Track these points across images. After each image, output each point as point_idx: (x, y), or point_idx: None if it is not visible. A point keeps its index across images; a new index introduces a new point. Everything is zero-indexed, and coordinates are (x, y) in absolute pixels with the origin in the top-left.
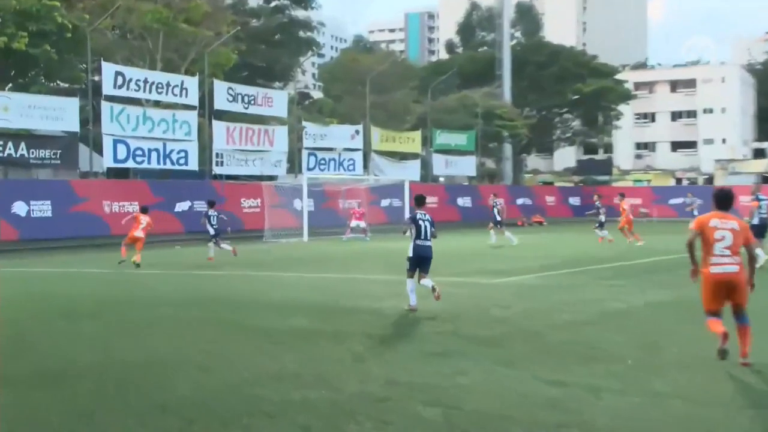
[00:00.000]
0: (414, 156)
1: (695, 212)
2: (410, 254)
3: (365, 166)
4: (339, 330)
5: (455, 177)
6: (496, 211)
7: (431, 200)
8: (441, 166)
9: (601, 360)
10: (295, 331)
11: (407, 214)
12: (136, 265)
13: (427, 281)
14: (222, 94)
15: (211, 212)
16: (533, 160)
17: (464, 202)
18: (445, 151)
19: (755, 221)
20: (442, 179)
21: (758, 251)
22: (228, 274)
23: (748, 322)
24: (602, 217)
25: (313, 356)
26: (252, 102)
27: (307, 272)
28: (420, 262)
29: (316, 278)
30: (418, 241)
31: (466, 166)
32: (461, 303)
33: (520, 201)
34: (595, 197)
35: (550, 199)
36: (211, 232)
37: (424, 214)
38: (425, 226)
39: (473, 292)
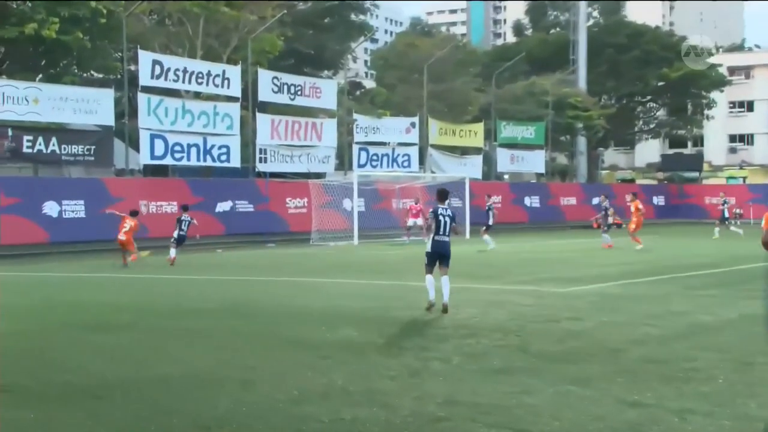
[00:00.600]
0: (476, 151)
1: (726, 213)
2: (428, 249)
3: (421, 162)
4: (392, 342)
5: (522, 174)
6: (491, 213)
7: (494, 199)
8: (506, 161)
9: (688, 379)
10: (344, 343)
11: (467, 215)
12: (123, 265)
13: (445, 288)
14: (266, 84)
15: (184, 217)
16: (611, 155)
17: (532, 201)
18: (511, 145)
19: None
20: (506, 176)
21: None
22: (271, 280)
23: None
24: (610, 219)
25: (363, 371)
26: (299, 92)
27: (356, 278)
28: (438, 257)
29: (366, 285)
30: (437, 237)
31: (534, 162)
32: (529, 314)
33: (595, 201)
34: (603, 197)
35: (629, 199)
36: (175, 235)
37: (446, 209)
38: (445, 222)
39: (543, 302)
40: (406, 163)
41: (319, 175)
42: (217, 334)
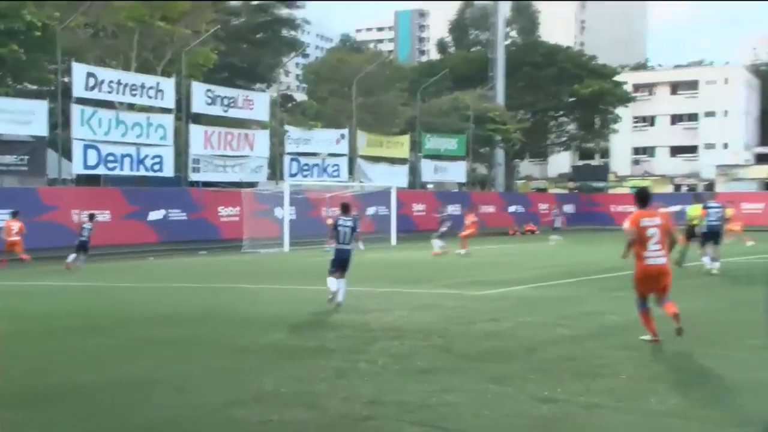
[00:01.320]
0: (402, 161)
1: (557, 224)
2: (332, 257)
3: (350, 172)
4: (322, 346)
5: (445, 183)
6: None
7: (419, 208)
8: (430, 172)
9: (598, 376)
10: (276, 347)
11: (394, 223)
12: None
13: (341, 291)
14: (200, 96)
15: (86, 224)
16: (526, 166)
17: (454, 209)
18: (435, 156)
19: (704, 229)
20: (430, 186)
21: (704, 259)
22: (205, 287)
23: (670, 300)
24: (443, 228)
25: (294, 374)
26: (232, 104)
27: (288, 284)
28: (340, 264)
29: (297, 291)
30: (338, 246)
31: (456, 172)
32: (451, 316)
33: (512, 209)
34: (440, 209)
35: (543, 207)
36: (76, 241)
37: (346, 221)
38: (344, 232)
39: (464, 304)
40: (336, 173)
41: (252, 185)
42: (152, 339)
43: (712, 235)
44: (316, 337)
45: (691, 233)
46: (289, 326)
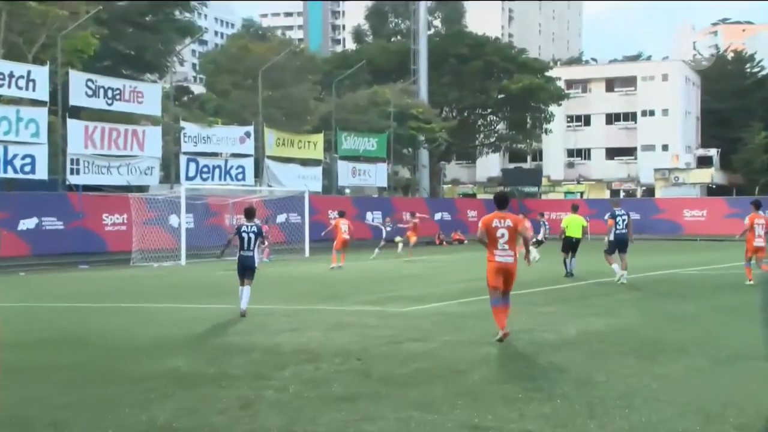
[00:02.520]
0: (315, 163)
1: (388, 228)
2: (238, 264)
3: (257, 175)
4: (224, 372)
5: (364, 188)
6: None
7: (336, 215)
8: (347, 174)
9: (530, 400)
10: (171, 375)
11: (307, 231)
12: None
13: (245, 297)
14: (79, 86)
15: None
16: (453, 169)
17: (375, 217)
18: (353, 157)
19: (611, 237)
20: (348, 190)
21: (615, 267)
22: (88, 306)
23: (509, 303)
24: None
25: (191, 405)
26: (117, 97)
27: (186, 303)
28: (244, 271)
29: (197, 310)
30: (241, 252)
31: (376, 176)
32: (371, 336)
33: (438, 216)
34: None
35: (471, 214)
36: None
37: (249, 227)
38: (248, 238)
39: (385, 323)
40: (240, 176)
41: (142, 189)
42: (23, 367)
43: (620, 244)
44: (217, 362)
45: (568, 245)
46: (186, 350)
